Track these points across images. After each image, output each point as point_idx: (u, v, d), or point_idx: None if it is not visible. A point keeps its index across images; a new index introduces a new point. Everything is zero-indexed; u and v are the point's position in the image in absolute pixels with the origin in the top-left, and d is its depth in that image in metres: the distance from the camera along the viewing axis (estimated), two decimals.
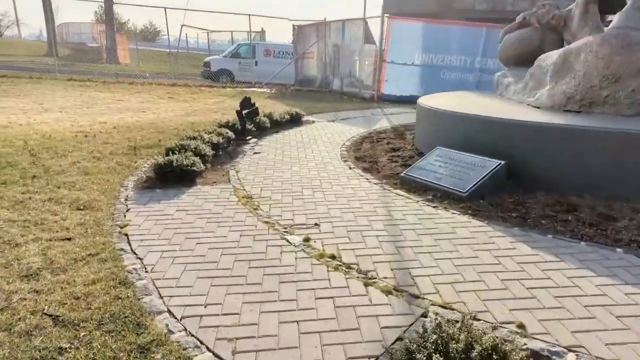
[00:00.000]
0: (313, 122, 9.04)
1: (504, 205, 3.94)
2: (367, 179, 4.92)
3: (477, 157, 4.42)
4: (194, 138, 5.74)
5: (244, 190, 4.52)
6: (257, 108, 7.09)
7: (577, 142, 3.96)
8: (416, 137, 6.40)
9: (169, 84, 15.77)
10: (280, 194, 4.41)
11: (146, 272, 2.85)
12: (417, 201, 4.14)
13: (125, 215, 3.78)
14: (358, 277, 2.78)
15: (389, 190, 4.50)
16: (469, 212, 3.84)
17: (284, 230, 3.52)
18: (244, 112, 6.97)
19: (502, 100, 6.01)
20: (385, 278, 2.76)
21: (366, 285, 2.67)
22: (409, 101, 12.82)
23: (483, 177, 4.12)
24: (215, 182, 4.77)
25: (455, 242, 3.26)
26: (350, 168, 5.37)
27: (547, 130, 4.11)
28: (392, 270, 2.86)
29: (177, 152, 5.03)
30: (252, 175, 5.05)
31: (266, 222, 3.66)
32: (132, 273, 2.82)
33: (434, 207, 3.99)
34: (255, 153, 6.18)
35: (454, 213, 3.83)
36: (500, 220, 3.65)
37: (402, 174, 4.71)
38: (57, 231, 3.42)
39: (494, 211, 3.83)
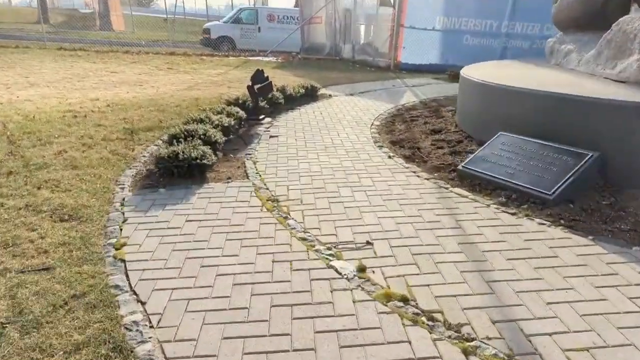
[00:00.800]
0: (330, 96, 8.09)
1: (602, 211, 3.10)
2: (413, 171, 4.06)
3: (558, 146, 3.54)
4: (201, 121, 4.85)
5: (267, 189, 3.67)
6: (270, 82, 6.15)
7: None
8: (459, 116, 5.49)
9: (166, 52, 14.64)
10: (313, 194, 3.56)
11: (151, 327, 2.05)
12: (488, 205, 3.30)
13: (121, 229, 2.96)
14: (450, 336, 1.97)
15: (445, 188, 3.65)
16: (562, 222, 3.00)
17: (327, 252, 2.70)
18: (256, 87, 6.03)
19: (566, 72, 5.07)
20: (489, 339, 1.95)
21: (466, 353, 1.87)
22: (429, 70, 11.80)
23: (572, 174, 3.27)
24: (230, 178, 3.92)
25: (564, 273, 2.44)
26: (389, 157, 4.50)
27: None
28: (493, 323, 2.05)
29: (182, 140, 4.16)
30: (273, 168, 4.19)
31: (303, 240, 2.83)
32: (131, 330, 2.02)
33: (513, 214, 3.15)
34: (272, 137, 5.29)
35: (542, 224, 2.99)
36: (608, 235, 2.82)
37: (459, 167, 3.85)
38: (33, 256, 2.61)
39: (594, 221, 2.99)
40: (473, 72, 5.29)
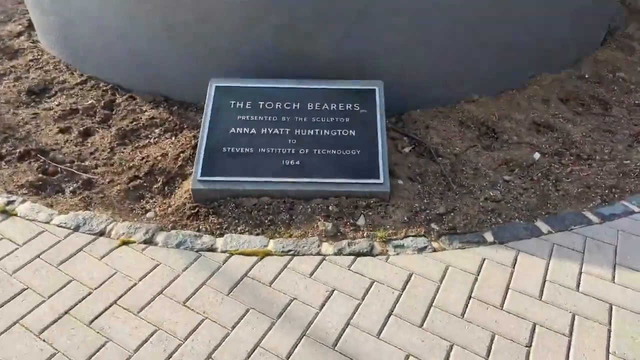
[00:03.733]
0: None
1: (430, 170, 2.09)
2: (100, 234, 1.74)
3: (328, 86, 2.10)
4: None
5: None
6: None
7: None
8: (62, 42, 2.85)
9: None
10: None
11: None
12: (319, 253, 1.68)
13: None
14: None
15: (212, 250, 1.69)
16: (446, 225, 1.81)
17: None
18: None
19: None
20: None
21: None
22: None
23: (380, 131, 2.00)
24: None
25: None
26: (7, 206, 1.82)
27: None
28: None
29: None
30: None
31: None
32: None
33: (376, 254, 1.69)
34: None
35: (438, 250, 1.71)
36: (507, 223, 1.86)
37: (195, 186, 1.85)
38: None
39: (446, 197, 1.94)
40: None
